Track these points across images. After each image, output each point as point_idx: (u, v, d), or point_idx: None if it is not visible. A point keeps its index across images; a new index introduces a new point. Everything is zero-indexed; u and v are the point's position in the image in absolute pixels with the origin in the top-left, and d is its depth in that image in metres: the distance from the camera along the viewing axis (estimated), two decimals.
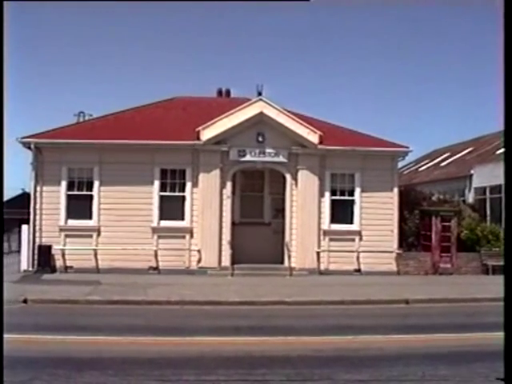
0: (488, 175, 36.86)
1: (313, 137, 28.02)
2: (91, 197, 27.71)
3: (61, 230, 27.51)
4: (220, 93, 35.88)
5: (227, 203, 28.07)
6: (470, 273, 28.85)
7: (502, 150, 40.88)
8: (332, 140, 28.30)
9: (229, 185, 28.18)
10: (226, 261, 27.54)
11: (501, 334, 14.37)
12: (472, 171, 39.11)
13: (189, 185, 27.98)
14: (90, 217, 27.65)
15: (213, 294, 21.23)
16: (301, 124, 28.09)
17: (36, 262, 27.26)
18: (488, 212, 36.16)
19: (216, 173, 27.86)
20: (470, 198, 38.61)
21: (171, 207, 27.86)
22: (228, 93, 35.83)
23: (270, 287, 23.31)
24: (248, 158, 28.05)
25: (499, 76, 7.96)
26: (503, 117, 7.58)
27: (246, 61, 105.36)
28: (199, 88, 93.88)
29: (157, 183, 27.82)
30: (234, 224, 28.64)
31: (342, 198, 28.72)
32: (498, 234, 30.50)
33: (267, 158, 28.12)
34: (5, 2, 9.57)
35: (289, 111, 28.65)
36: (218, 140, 27.90)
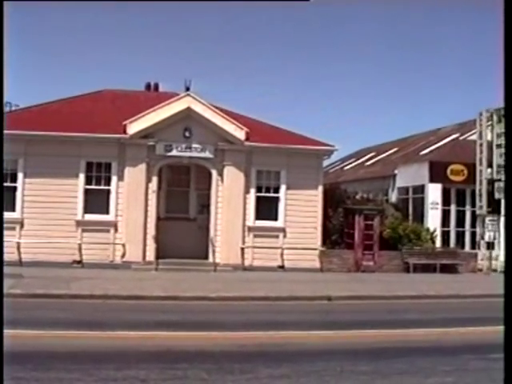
0: (411, 175, 37.57)
1: (239, 133, 28.19)
2: (15, 188, 27.32)
3: None
4: (148, 87, 35.75)
5: (153, 198, 28.04)
6: (392, 270, 29.44)
7: (427, 151, 41.76)
8: (259, 137, 28.52)
9: (154, 179, 28.14)
10: (151, 255, 27.55)
11: (420, 330, 14.80)
12: (396, 171, 39.73)
13: (114, 178, 27.86)
14: (13, 209, 27.22)
15: (136, 289, 21.18)
16: (228, 120, 28.24)
17: None
18: (410, 211, 36.83)
19: (142, 167, 27.81)
20: (394, 197, 39.25)
21: (96, 201, 27.70)
22: (156, 87, 35.72)
23: (194, 282, 23.37)
24: (174, 152, 28.08)
25: (499, 75, 8.20)
26: (504, 117, 7.81)
27: (176, 55, 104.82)
28: (128, 81, 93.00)
29: (82, 176, 27.61)
30: (159, 219, 28.64)
31: (268, 194, 29.00)
32: (420, 233, 31.23)
33: (194, 154, 28.20)
34: (5, 2, 9.62)
35: (216, 107, 28.74)
36: (145, 134, 27.86)
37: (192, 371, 10.34)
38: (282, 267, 28.51)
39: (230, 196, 28.38)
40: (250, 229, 28.67)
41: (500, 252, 34.05)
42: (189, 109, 27.99)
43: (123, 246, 27.59)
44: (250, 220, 28.72)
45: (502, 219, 34.42)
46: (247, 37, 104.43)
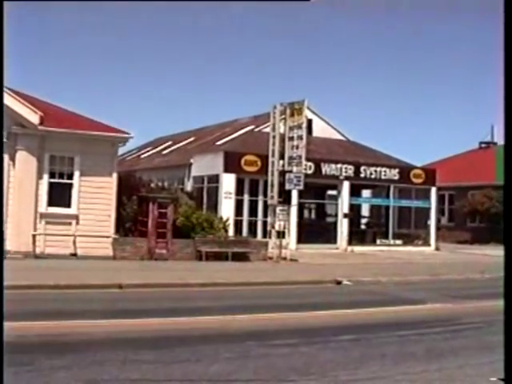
0: (206, 165, 38.26)
1: (33, 117, 27.46)
2: None
3: None
4: None
5: None
6: (185, 259, 29.68)
7: (222, 141, 42.59)
8: (53, 121, 27.96)
9: None
10: None
11: (205, 318, 15.08)
12: (192, 160, 40.26)
13: None
14: None
15: None
16: (21, 103, 27.42)
17: None
18: (205, 200, 37.46)
19: None
20: (189, 186, 39.75)
21: None
22: None
23: None
24: None
25: (499, 77, 8.26)
26: (503, 120, 7.93)
27: None
28: None
29: None
30: None
31: (61, 181, 28.44)
32: (212, 221, 31.79)
33: None
34: (5, 2, 9.34)
35: (10, 89, 27.85)
36: None
37: None
38: (74, 255, 28.13)
39: (21, 182, 27.62)
40: (42, 215, 28.08)
41: (290, 240, 35.36)
42: None
43: None
44: (43, 206, 28.11)
45: (292, 209, 35.74)
46: (47, 20, 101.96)
